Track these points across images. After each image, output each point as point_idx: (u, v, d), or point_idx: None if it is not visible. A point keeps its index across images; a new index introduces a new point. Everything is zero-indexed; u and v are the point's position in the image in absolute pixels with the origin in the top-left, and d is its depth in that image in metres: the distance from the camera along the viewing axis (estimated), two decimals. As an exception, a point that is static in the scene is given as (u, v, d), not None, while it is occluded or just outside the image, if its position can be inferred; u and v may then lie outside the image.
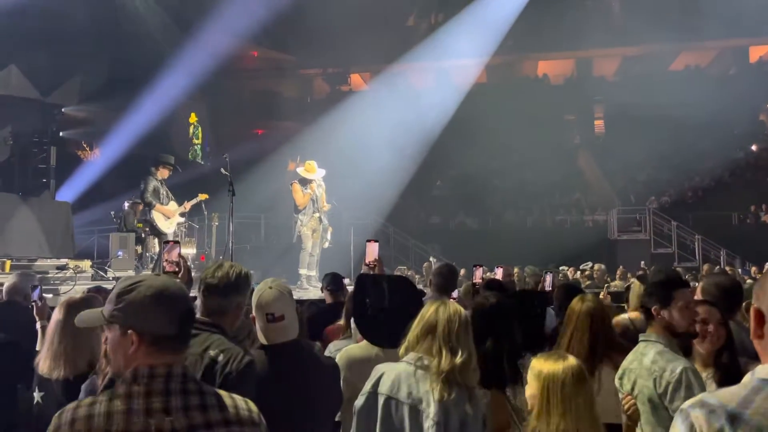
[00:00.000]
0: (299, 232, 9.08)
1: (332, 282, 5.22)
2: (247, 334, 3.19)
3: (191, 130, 22.75)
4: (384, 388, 2.25)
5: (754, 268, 11.03)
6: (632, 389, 2.80)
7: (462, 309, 2.35)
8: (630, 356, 2.87)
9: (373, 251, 3.83)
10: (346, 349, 3.00)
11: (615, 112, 25.60)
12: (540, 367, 2.33)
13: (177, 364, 1.56)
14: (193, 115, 22.62)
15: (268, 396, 2.31)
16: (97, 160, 18.55)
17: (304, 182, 9.04)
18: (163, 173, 8.56)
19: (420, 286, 7.00)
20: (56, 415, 1.51)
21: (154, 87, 17.23)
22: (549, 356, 2.39)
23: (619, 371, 2.88)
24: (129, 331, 1.55)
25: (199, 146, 22.86)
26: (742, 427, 1.11)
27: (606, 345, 3.07)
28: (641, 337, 2.90)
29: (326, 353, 3.32)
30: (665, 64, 26.33)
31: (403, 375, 2.25)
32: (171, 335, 1.58)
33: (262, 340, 2.49)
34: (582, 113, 26.95)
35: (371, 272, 3.88)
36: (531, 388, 2.34)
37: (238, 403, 1.63)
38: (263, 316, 2.45)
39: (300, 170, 9.27)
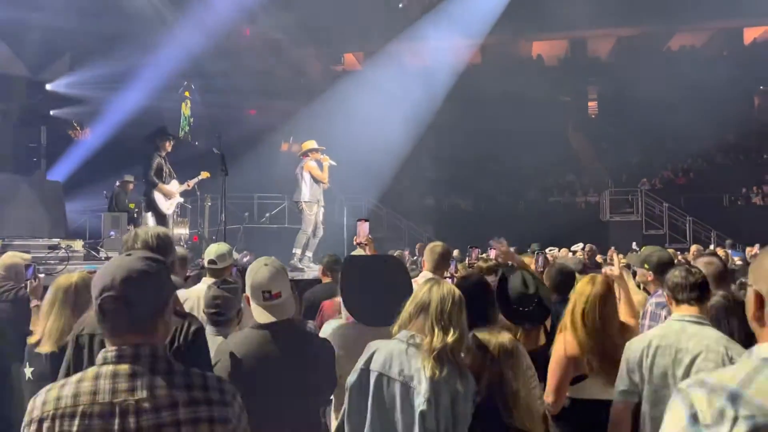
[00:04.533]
0: (302, 213, 9.05)
1: (330, 262, 5.27)
2: (236, 314, 3.21)
3: (183, 106, 22.39)
4: (376, 365, 2.27)
5: (749, 249, 11.01)
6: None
7: (455, 288, 2.37)
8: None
9: (363, 231, 3.85)
10: (338, 326, 3.02)
11: (609, 93, 25.55)
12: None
13: (145, 344, 1.55)
14: (186, 93, 22.30)
15: (261, 374, 2.33)
16: (88, 140, 18.37)
17: (312, 153, 8.97)
18: (167, 147, 8.48)
19: (412, 267, 7.04)
20: (33, 398, 1.53)
21: (145, 66, 17.04)
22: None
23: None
24: None
25: (188, 118, 22.50)
26: (743, 406, 1.09)
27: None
28: None
29: (321, 333, 3.33)
30: (660, 45, 26.23)
31: (395, 352, 2.28)
32: None
33: (257, 318, 2.47)
34: (576, 94, 26.89)
35: (362, 251, 3.91)
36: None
37: (210, 383, 1.60)
38: (259, 294, 2.45)
39: (305, 144, 9.20)
